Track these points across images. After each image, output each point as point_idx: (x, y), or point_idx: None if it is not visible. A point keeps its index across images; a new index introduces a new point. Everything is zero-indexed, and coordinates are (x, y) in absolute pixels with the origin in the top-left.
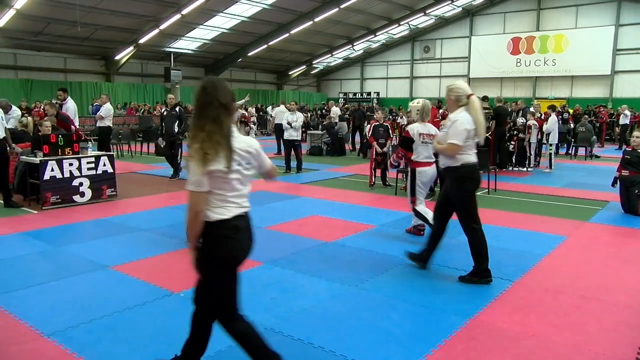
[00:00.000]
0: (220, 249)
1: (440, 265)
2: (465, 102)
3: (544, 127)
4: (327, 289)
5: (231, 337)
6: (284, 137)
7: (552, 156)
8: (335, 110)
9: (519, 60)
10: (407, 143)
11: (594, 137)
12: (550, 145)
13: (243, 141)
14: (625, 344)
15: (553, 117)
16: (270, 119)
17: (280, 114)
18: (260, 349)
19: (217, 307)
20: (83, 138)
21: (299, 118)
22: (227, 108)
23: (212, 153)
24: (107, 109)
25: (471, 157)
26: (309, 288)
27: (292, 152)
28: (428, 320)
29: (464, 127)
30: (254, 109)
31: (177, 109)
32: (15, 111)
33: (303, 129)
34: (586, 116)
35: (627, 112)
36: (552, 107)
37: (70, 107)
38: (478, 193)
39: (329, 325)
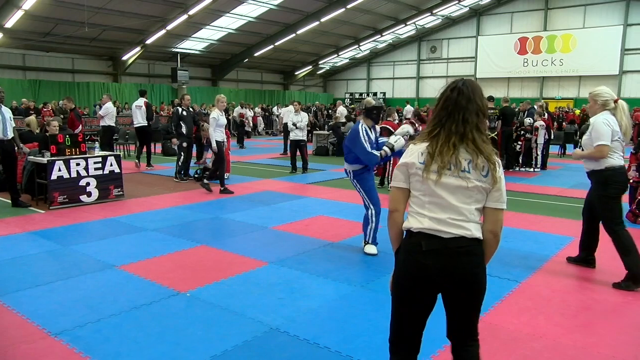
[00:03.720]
0: None
1: None
2: (613, 107)
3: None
4: (334, 289)
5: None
6: (290, 138)
7: None
8: (342, 110)
9: (526, 60)
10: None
11: None
12: None
13: None
14: (636, 346)
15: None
16: (277, 119)
17: (288, 113)
18: None
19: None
20: (88, 138)
21: (303, 118)
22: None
23: None
24: (106, 108)
25: (615, 160)
26: (316, 288)
27: (298, 153)
28: (434, 320)
29: (608, 127)
30: (259, 108)
31: (191, 109)
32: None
33: (309, 129)
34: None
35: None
36: None
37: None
38: None
39: (335, 326)
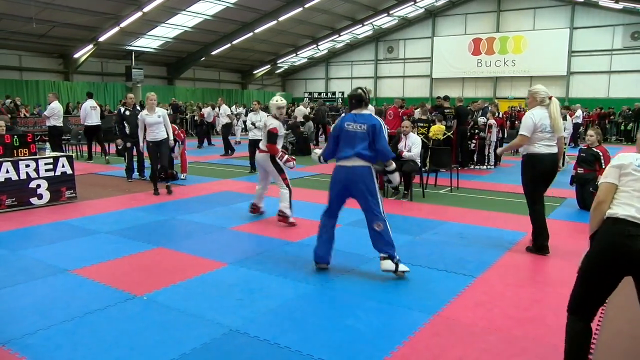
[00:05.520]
0: None
1: (405, 262)
2: (548, 103)
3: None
4: (293, 288)
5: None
6: (249, 137)
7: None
8: (300, 110)
9: (479, 61)
10: (275, 138)
11: None
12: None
13: None
14: None
15: (569, 118)
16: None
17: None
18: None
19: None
20: (39, 138)
21: (262, 118)
22: None
23: None
24: (51, 108)
25: (537, 148)
26: (275, 288)
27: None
28: (393, 317)
29: (532, 120)
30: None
31: (138, 108)
32: None
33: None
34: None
35: (580, 112)
36: (567, 108)
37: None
38: (441, 191)
39: (295, 325)
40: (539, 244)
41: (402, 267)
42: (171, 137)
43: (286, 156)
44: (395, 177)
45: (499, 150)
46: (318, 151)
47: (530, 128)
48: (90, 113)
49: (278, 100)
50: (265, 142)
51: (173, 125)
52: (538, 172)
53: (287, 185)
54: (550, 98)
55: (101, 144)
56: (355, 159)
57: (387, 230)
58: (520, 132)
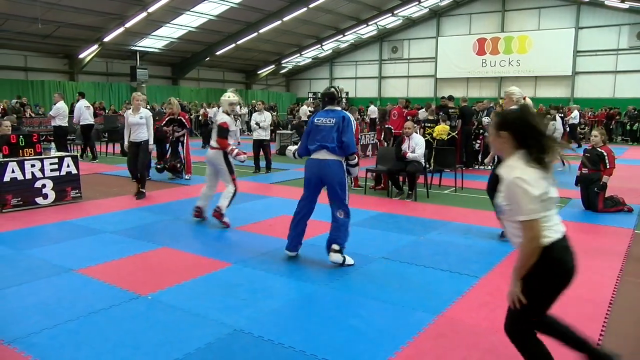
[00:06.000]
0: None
1: (409, 262)
2: (523, 103)
3: (553, 127)
4: (297, 288)
5: (543, 332)
6: (253, 137)
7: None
8: (304, 110)
9: (484, 61)
10: (225, 133)
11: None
12: None
13: None
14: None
15: (559, 118)
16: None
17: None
18: (568, 333)
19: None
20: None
21: (267, 118)
22: None
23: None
24: (56, 108)
25: None
26: (279, 288)
27: (261, 152)
28: (397, 317)
29: None
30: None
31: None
32: None
33: (272, 128)
34: (548, 116)
35: (576, 112)
36: (556, 108)
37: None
38: (445, 191)
39: (299, 325)
40: None
41: (348, 260)
42: (151, 141)
43: (236, 150)
44: (355, 170)
45: (487, 160)
46: (292, 147)
47: None
48: (85, 112)
49: (230, 96)
50: (216, 138)
51: (182, 112)
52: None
53: (235, 186)
54: (524, 98)
55: (91, 143)
56: (324, 152)
57: (346, 222)
58: None
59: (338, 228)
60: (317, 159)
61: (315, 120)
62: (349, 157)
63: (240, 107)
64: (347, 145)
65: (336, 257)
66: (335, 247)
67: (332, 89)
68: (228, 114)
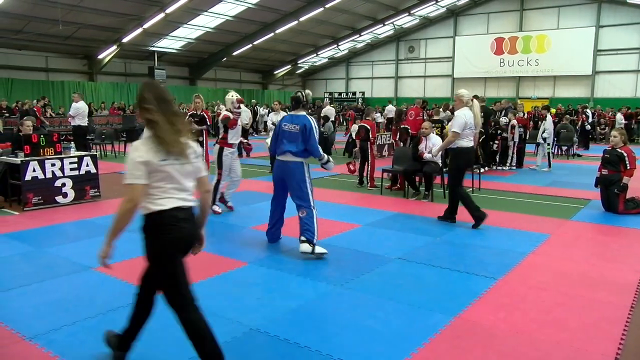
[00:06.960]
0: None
1: (425, 264)
2: (471, 104)
3: (542, 127)
4: (313, 288)
5: (182, 327)
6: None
7: (550, 156)
8: (330, 111)
9: (502, 60)
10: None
11: (576, 137)
12: (548, 144)
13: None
14: (607, 339)
15: (549, 118)
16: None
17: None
18: (206, 342)
19: (169, 294)
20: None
21: None
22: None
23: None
24: (75, 108)
25: (465, 142)
26: (295, 288)
27: None
28: (413, 318)
29: (463, 119)
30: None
31: None
32: None
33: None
34: (567, 116)
35: (589, 112)
36: (547, 108)
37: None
38: None
39: (315, 325)
40: (450, 216)
41: (318, 249)
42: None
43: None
44: (330, 166)
45: (434, 150)
46: (268, 140)
47: (462, 126)
48: (84, 113)
49: (233, 95)
50: (222, 133)
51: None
52: (465, 161)
53: (217, 179)
54: (472, 100)
55: (86, 143)
56: (288, 154)
57: (309, 217)
58: (453, 130)
59: (302, 225)
60: (281, 161)
61: (283, 125)
62: (319, 159)
63: (258, 108)
64: (311, 152)
65: (305, 247)
66: (303, 238)
67: (299, 94)
68: (231, 112)
